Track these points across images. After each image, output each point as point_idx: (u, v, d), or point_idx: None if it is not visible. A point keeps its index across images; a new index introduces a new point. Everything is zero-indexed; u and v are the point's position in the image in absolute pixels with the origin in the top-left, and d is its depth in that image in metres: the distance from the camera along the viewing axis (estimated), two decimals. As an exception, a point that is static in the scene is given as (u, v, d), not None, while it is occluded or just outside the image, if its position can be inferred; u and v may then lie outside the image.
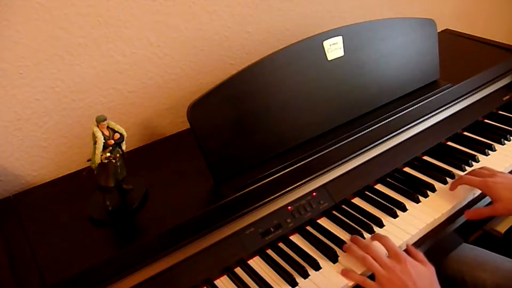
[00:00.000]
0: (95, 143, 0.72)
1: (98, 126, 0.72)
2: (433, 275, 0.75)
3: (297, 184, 0.88)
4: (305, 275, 0.77)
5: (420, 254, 0.78)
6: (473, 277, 0.88)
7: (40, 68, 0.88)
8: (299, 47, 0.88)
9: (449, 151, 1.06)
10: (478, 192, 0.93)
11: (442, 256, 0.93)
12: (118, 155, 0.75)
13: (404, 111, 1.01)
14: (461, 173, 0.98)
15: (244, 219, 0.82)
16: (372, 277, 0.76)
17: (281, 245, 0.84)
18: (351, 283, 0.76)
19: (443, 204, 0.90)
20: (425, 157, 1.05)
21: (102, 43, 0.93)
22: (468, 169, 0.99)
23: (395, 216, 0.88)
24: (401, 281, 0.71)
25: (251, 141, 0.86)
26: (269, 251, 0.83)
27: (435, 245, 0.86)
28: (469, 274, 0.89)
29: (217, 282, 0.78)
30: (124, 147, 0.76)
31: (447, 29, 1.46)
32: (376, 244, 0.80)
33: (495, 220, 1.03)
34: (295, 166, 0.87)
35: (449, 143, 1.10)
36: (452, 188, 0.92)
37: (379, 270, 0.74)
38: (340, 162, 0.93)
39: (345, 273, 0.77)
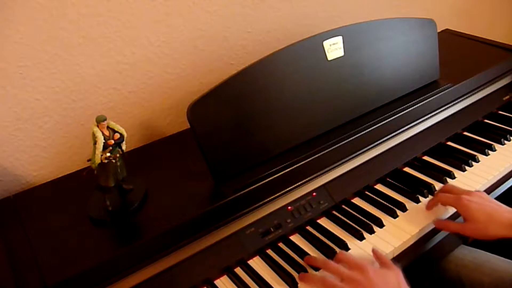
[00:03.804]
0: (95, 143, 0.72)
1: (98, 126, 0.72)
2: (399, 276, 0.71)
3: (297, 184, 0.88)
4: (305, 275, 0.77)
5: (384, 257, 0.75)
6: (471, 279, 0.88)
7: (40, 68, 0.88)
8: (299, 47, 0.88)
9: (449, 151, 1.06)
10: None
11: (441, 257, 0.93)
12: (118, 155, 0.75)
13: (404, 111, 1.01)
14: (461, 173, 0.98)
15: (244, 219, 0.82)
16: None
17: (281, 245, 0.84)
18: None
19: (443, 204, 0.90)
20: (425, 157, 1.05)
21: (102, 43, 0.93)
22: (468, 169, 0.99)
23: (395, 216, 0.88)
24: None
25: (251, 141, 0.86)
26: (269, 251, 0.83)
27: (433, 246, 0.86)
28: (467, 276, 0.88)
29: (217, 282, 0.78)
30: (124, 147, 0.76)
31: (447, 29, 1.46)
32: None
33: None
34: (295, 166, 0.87)
35: (449, 143, 1.09)
36: (429, 208, 0.88)
37: (342, 286, 0.69)
38: (340, 162, 0.93)
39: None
